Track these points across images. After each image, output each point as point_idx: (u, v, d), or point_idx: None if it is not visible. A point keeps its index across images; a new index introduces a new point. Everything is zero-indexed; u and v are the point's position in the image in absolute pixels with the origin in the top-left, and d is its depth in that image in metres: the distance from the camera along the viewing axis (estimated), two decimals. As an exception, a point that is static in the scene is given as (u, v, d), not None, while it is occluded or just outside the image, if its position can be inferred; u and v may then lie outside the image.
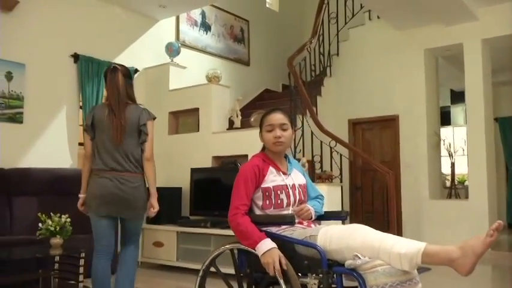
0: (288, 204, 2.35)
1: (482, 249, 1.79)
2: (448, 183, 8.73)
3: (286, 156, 2.54)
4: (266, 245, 2.10)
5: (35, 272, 3.62)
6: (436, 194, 7.13)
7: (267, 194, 2.33)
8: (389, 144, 7.42)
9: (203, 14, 7.34)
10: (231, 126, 5.70)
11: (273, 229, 2.27)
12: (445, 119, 10.36)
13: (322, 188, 4.78)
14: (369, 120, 7.54)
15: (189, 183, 5.47)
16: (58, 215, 3.81)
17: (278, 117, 2.41)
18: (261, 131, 2.45)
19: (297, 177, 2.48)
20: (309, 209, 2.37)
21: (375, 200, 6.31)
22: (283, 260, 2.06)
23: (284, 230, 2.25)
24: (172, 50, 6.24)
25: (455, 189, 8.25)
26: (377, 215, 6.19)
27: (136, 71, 6.17)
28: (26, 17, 5.16)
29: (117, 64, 3.34)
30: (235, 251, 2.32)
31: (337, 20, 7.64)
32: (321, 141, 6.31)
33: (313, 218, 2.41)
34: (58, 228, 3.74)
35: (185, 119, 6.06)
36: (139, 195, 3.09)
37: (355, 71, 7.61)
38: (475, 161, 6.63)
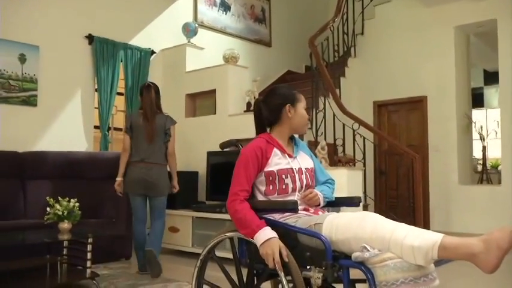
0: (294, 190, 2.15)
1: (509, 242, 1.55)
2: (479, 168, 8.32)
3: (292, 138, 2.33)
4: (265, 234, 1.91)
5: (43, 257, 3.54)
6: (466, 179, 6.78)
7: (270, 178, 2.13)
8: (417, 127, 7.09)
9: (222, -7, 7.12)
10: (248, 108, 5.49)
11: (276, 216, 2.07)
12: (478, 100, 9.89)
13: (342, 173, 4.57)
14: (395, 102, 7.22)
15: (205, 167, 5.32)
16: (67, 199, 3.72)
17: None
18: (293, 106, 2.22)
19: (304, 160, 2.27)
20: (316, 194, 2.16)
21: (401, 186, 6.02)
22: (284, 251, 1.87)
23: (288, 218, 2.05)
24: (189, 31, 6.05)
25: (487, 174, 7.85)
26: (402, 201, 5.92)
27: (152, 52, 6.03)
28: (38, -2, 5.06)
29: (150, 82, 4.38)
30: (236, 240, 2.14)
31: (362, -3, 7.31)
32: (344, 124, 6.06)
33: (322, 204, 2.20)
34: (66, 213, 3.64)
35: (202, 101, 5.90)
36: (161, 180, 4.15)
37: (381, 51, 7.27)
38: (509, 145, 6.25)
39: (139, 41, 5.93)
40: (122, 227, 4.81)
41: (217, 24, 6.98)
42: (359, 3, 7.36)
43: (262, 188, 2.14)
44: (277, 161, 2.16)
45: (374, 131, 5.85)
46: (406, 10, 7.08)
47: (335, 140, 6.14)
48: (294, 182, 2.15)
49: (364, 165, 5.85)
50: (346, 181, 4.49)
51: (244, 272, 2.09)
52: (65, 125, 5.23)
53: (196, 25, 6.19)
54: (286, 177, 2.14)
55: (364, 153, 5.85)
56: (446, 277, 4.07)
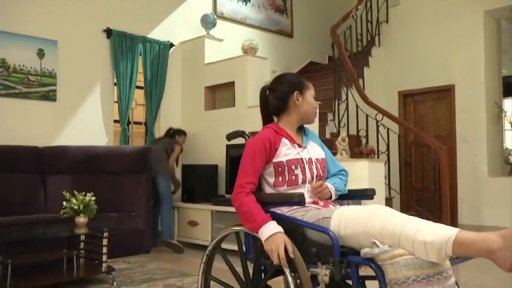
0: (304, 181, 2.04)
1: (531, 238, 1.41)
2: (511, 159, 8.00)
3: (301, 128, 2.22)
4: (270, 229, 1.81)
5: (60, 251, 3.54)
6: (497, 171, 6.51)
7: (279, 169, 2.03)
8: (444, 117, 6.85)
9: (242, -16, 7.01)
10: (268, 100, 5.39)
11: (284, 210, 1.98)
12: (510, 89, 9.49)
13: (363, 165, 4.42)
14: (422, 92, 6.99)
15: (225, 161, 5.25)
16: (83, 193, 3.71)
17: None
18: (301, 93, 2.12)
19: (315, 150, 2.16)
20: (327, 187, 2.05)
21: (427, 178, 5.82)
22: (290, 247, 1.77)
23: (295, 211, 1.95)
24: (207, 22, 5.98)
25: (520, 166, 7.54)
26: (429, 194, 5.71)
27: (171, 45, 5.98)
28: (56, -7, 5.07)
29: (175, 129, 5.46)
30: (242, 235, 2.05)
31: (386, -16, 7.08)
32: (367, 115, 5.89)
33: (333, 197, 2.09)
34: (82, 207, 3.64)
35: (222, 94, 5.82)
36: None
37: (406, 39, 7.04)
38: (543, 134, 5.97)
39: (158, 34, 5.89)
40: (142, 221, 4.79)
41: (237, 15, 6.89)
42: (383, -10, 7.14)
43: (271, 180, 2.05)
44: (286, 152, 2.06)
45: (398, 121, 5.66)
46: (433, -4, 6.83)
47: (358, 131, 5.99)
48: (304, 173, 2.04)
49: (388, 157, 5.69)
50: (368, 173, 4.34)
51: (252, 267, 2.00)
52: (85, 119, 5.24)
53: (215, 17, 6.11)
54: (296, 168, 2.03)
55: (388, 145, 5.68)
56: (473, 273, 3.90)
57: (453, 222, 6.03)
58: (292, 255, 1.76)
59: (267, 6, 7.36)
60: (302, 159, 2.06)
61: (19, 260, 3.27)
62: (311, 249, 1.73)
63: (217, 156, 5.43)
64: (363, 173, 4.35)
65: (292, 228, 1.87)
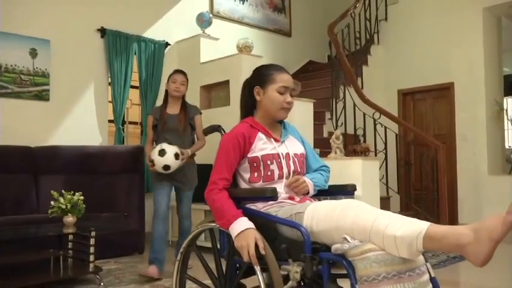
0: (281, 177, 1.98)
1: (502, 232, 1.34)
2: (514, 158, 7.87)
3: (281, 121, 2.16)
4: (241, 225, 1.76)
5: (45, 251, 3.50)
6: (497, 169, 6.41)
7: (254, 164, 1.98)
8: (444, 116, 6.75)
9: (239, -17, 6.96)
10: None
11: (259, 205, 1.92)
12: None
13: (356, 163, 4.35)
14: (421, 90, 6.90)
15: (219, 160, 5.19)
16: (72, 192, 3.67)
17: (290, 80, 2.06)
18: (262, 87, 2.04)
19: (293, 145, 2.10)
20: (304, 182, 1.99)
21: (426, 177, 5.74)
22: (261, 243, 1.71)
23: (270, 207, 1.89)
24: (203, 21, 5.94)
25: (521, 165, 7.42)
26: (427, 193, 5.63)
27: (167, 44, 5.94)
28: (49, -8, 5.05)
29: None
30: (217, 232, 1.99)
31: (384, -18, 7.01)
32: (364, 113, 5.83)
33: (312, 193, 2.02)
34: (70, 206, 3.59)
35: (217, 93, 5.77)
36: None
37: (406, 37, 6.96)
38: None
39: (154, 33, 5.85)
40: (135, 221, 4.75)
41: (234, 14, 6.84)
42: (381, -13, 7.07)
43: (246, 176, 1.99)
44: (261, 146, 2.00)
45: (394, 119, 5.59)
46: (432, -7, 6.74)
47: (355, 130, 5.93)
48: (280, 168, 1.98)
49: (386, 156, 5.61)
50: (361, 172, 4.27)
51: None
52: (79, 119, 5.21)
53: (211, 15, 6.06)
54: (272, 163, 1.98)
55: (385, 144, 5.61)
56: (472, 272, 3.82)
57: (453, 221, 5.93)
58: (263, 252, 1.70)
59: (265, 5, 7.31)
60: (278, 154, 2.00)
61: (4, 260, 3.23)
62: (281, 245, 1.67)
63: (212, 156, 5.36)
64: (356, 171, 4.28)
65: (265, 224, 1.81)
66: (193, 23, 6.03)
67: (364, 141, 5.76)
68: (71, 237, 3.69)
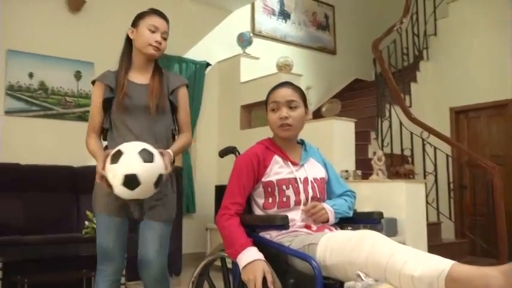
0: (297, 203, 1.84)
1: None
2: None
3: (303, 143, 2.03)
4: (249, 256, 1.62)
5: (77, 272, 3.50)
6: None
7: (269, 189, 1.85)
8: (501, 135, 6.30)
9: (281, 2, 6.90)
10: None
11: (273, 234, 1.78)
12: None
13: (399, 186, 4.10)
14: (476, 108, 6.48)
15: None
16: (106, 212, 3.66)
17: (285, 93, 1.93)
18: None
19: (313, 168, 1.95)
20: (322, 209, 1.83)
21: (481, 202, 5.34)
22: (269, 277, 1.57)
23: (284, 236, 1.75)
24: (243, 41, 5.92)
25: None
26: (483, 219, 5.23)
27: (208, 65, 5.95)
28: (93, 16, 5.20)
29: None
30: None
31: (433, -5, 6.74)
32: (411, 133, 5.55)
33: (332, 221, 1.86)
34: (102, 227, 3.57)
35: (257, 112, 5.70)
36: None
37: (457, 52, 6.60)
38: None
39: (195, 53, 5.89)
40: (171, 242, 4.70)
41: (276, 33, 6.78)
42: (430, 1, 6.79)
43: (261, 201, 1.86)
44: (277, 170, 1.87)
45: (443, 138, 5.25)
46: (485, 6, 6.38)
47: (402, 150, 5.64)
48: (297, 193, 1.84)
49: (436, 178, 5.29)
50: (405, 196, 4.00)
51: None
52: (120, 139, 5.27)
53: (251, 35, 6.03)
54: (288, 188, 1.84)
55: (435, 165, 5.29)
56: None
57: (512, 251, 5.47)
58: (271, 287, 1.56)
59: (308, 23, 7.20)
60: (295, 178, 1.86)
61: (35, 279, 3.25)
62: (290, 280, 1.52)
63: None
64: (399, 195, 4.03)
65: (277, 255, 1.67)
66: (234, 43, 6.01)
67: (412, 162, 5.46)
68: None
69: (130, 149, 1.88)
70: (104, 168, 1.93)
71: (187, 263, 4.97)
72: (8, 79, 4.68)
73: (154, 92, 2.14)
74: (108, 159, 1.90)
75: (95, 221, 2.29)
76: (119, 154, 1.87)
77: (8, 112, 4.67)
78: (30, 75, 4.80)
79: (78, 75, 5.06)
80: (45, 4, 4.94)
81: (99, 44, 5.22)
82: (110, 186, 1.90)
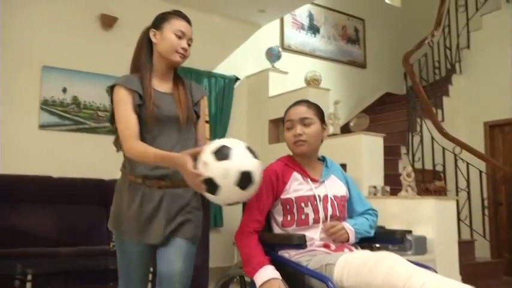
0: (316, 221, 1.82)
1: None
2: None
3: (324, 159, 2.01)
4: (265, 275, 1.61)
5: (106, 285, 3.55)
6: None
7: (287, 207, 1.84)
8: (539, 150, 6.09)
9: (310, 16, 6.91)
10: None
11: (292, 253, 1.76)
12: None
13: (429, 203, 4.00)
14: (510, 122, 6.29)
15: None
16: (133, 226, 3.71)
17: (299, 111, 1.94)
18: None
19: (334, 186, 1.93)
20: (342, 228, 1.80)
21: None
22: (286, 296, 1.55)
23: (302, 255, 1.73)
24: (272, 55, 5.94)
25: None
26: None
27: (236, 79, 6.00)
28: (124, 33, 5.31)
29: None
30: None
31: (466, 7, 6.60)
32: (443, 148, 5.42)
33: (352, 240, 1.83)
34: (129, 240, 3.62)
35: (285, 127, 5.68)
36: None
37: (492, 64, 6.44)
38: None
39: (224, 68, 5.95)
40: (198, 255, 4.70)
41: (305, 47, 6.78)
42: (463, 14, 6.66)
43: (280, 219, 1.85)
44: (296, 187, 1.86)
45: (477, 154, 5.11)
46: (520, 17, 6.22)
47: (434, 166, 5.51)
48: (316, 211, 1.82)
49: (469, 195, 5.14)
50: (435, 213, 3.90)
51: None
52: (149, 153, 5.35)
53: (280, 49, 6.05)
54: (307, 205, 1.83)
55: (468, 181, 5.15)
56: None
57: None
58: (287, 306, 1.54)
59: (338, 37, 7.18)
60: (315, 195, 1.84)
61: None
62: (305, 300, 1.50)
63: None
64: (429, 212, 3.93)
65: (294, 274, 1.65)
66: (263, 57, 6.04)
67: (444, 178, 5.32)
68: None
69: (237, 144, 1.62)
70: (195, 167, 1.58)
71: (214, 277, 4.96)
72: (43, 94, 4.84)
73: (183, 103, 2.00)
74: (211, 156, 1.57)
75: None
76: (226, 149, 1.57)
77: (42, 126, 4.82)
78: (64, 90, 4.95)
79: (110, 91, 5.16)
80: (78, 21, 5.10)
81: (130, 60, 5.32)
82: (212, 190, 1.57)
